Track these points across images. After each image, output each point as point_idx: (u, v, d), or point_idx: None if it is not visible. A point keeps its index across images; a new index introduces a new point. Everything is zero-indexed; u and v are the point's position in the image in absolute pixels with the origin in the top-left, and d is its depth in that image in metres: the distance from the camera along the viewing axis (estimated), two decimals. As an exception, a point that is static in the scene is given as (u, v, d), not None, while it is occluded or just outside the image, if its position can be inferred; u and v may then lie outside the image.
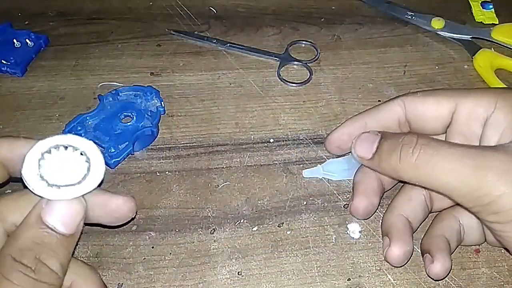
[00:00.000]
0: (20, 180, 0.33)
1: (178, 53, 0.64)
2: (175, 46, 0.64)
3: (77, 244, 0.33)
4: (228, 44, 0.64)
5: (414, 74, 0.62)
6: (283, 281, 0.45)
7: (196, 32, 0.66)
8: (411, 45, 0.66)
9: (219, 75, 0.61)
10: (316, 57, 0.63)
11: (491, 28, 0.66)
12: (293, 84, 0.60)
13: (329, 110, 0.58)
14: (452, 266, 0.45)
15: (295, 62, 0.63)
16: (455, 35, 0.66)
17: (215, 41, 0.64)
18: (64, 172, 0.32)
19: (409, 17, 0.68)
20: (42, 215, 0.31)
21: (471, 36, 0.65)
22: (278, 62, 0.62)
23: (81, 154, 0.34)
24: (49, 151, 0.33)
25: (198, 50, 0.64)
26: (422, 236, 0.46)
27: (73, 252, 0.33)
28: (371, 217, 0.49)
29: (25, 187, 0.32)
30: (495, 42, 0.65)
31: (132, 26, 0.67)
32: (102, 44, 0.64)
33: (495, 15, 0.69)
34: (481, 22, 0.69)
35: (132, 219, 0.38)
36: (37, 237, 0.30)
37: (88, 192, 0.33)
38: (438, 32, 0.67)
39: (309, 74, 0.61)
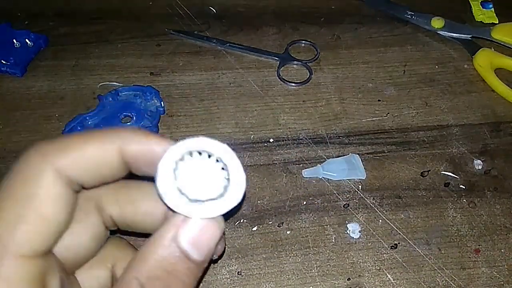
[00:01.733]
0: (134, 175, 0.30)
1: (177, 53, 0.64)
2: (175, 46, 0.64)
3: None
4: (228, 44, 0.64)
5: (414, 74, 0.62)
6: (283, 281, 0.45)
7: (195, 32, 0.66)
8: (411, 44, 0.66)
9: (218, 75, 0.61)
10: (316, 57, 0.63)
11: (491, 27, 0.66)
12: (293, 84, 0.60)
13: (329, 109, 0.58)
14: (452, 266, 0.46)
15: (295, 62, 0.63)
16: (455, 35, 0.66)
17: (214, 41, 0.64)
18: (203, 183, 0.28)
19: (409, 16, 0.68)
20: (178, 237, 0.26)
21: (471, 36, 0.65)
22: (278, 62, 0.62)
23: (217, 161, 0.28)
24: (182, 158, 0.28)
25: (198, 50, 0.64)
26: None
27: None
28: (371, 217, 0.49)
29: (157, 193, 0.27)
30: (495, 42, 0.65)
31: (131, 26, 0.66)
32: (102, 44, 0.64)
33: (495, 14, 0.69)
34: (481, 21, 0.69)
35: None
36: (169, 263, 0.26)
37: (232, 208, 0.27)
38: (438, 32, 0.66)
39: (309, 74, 0.61)
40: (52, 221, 0.26)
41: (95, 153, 0.27)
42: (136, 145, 0.28)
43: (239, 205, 0.31)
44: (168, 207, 0.27)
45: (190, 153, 0.28)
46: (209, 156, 0.28)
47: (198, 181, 0.28)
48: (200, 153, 0.28)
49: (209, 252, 0.27)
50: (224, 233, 0.29)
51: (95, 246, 0.31)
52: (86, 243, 0.30)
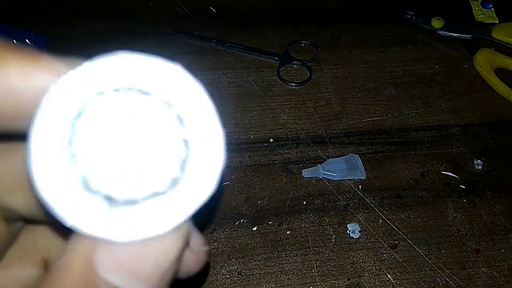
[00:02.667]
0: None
1: (177, 53, 0.64)
2: (175, 46, 0.64)
3: None
4: (228, 44, 0.64)
5: (414, 74, 0.62)
6: (283, 281, 0.45)
7: (195, 32, 0.66)
8: (411, 44, 0.66)
9: (218, 75, 0.61)
10: (316, 57, 0.63)
11: (491, 27, 0.65)
12: (293, 84, 0.60)
13: (329, 109, 0.58)
14: (452, 266, 0.46)
15: (295, 62, 0.63)
16: (455, 35, 0.66)
17: (214, 41, 0.64)
18: (134, 160, 0.15)
19: (409, 16, 0.68)
20: (93, 262, 0.15)
21: (471, 36, 0.65)
22: (278, 62, 0.62)
23: (166, 107, 0.15)
24: (88, 104, 0.15)
25: (198, 50, 0.64)
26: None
27: None
28: (371, 217, 0.49)
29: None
30: (495, 41, 0.65)
31: (131, 26, 0.66)
32: (102, 44, 0.64)
33: (495, 14, 0.69)
34: (481, 21, 0.69)
35: None
36: None
37: (192, 215, 0.15)
38: (438, 32, 0.66)
39: (309, 74, 0.61)
40: None
41: None
42: (16, 71, 0.15)
43: (213, 202, 0.18)
44: (64, 225, 0.15)
45: (103, 93, 0.15)
46: (145, 94, 0.15)
47: (123, 156, 0.15)
48: (126, 90, 0.15)
49: (163, 278, 0.16)
50: (190, 240, 0.19)
51: None
52: None
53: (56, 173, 0.14)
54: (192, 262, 0.20)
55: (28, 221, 0.22)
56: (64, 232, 0.16)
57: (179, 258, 0.16)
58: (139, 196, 0.15)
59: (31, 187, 0.16)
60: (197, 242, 0.20)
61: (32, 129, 0.14)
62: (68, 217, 0.14)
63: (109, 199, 0.15)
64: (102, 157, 0.15)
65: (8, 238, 0.22)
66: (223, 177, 0.15)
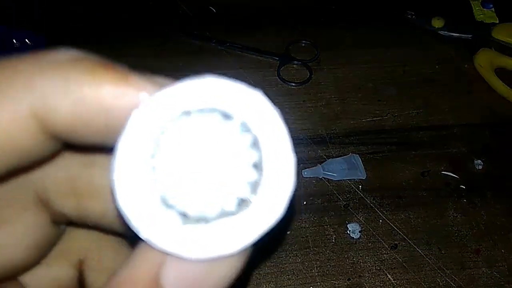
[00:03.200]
0: None
1: (178, 53, 0.63)
2: (175, 46, 0.64)
3: None
4: (228, 44, 0.64)
5: (414, 74, 0.62)
6: (283, 281, 0.44)
7: (195, 32, 0.66)
8: (411, 44, 0.66)
9: (218, 75, 0.61)
10: (316, 57, 0.63)
11: (492, 27, 0.65)
12: (293, 84, 0.60)
13: (329, 109, 0.58)
14: (453, 266, 0.46)
15: (295, 62, 0.63)
16: (455, 34, 0.66)
17: (214, 41, 0.64)
18: (210, 178, 0.15)
19: (410, 16, 0.68)
20: (160, 277, 0.15)
21: (471, 35, 0.65)
22: (278, 62, 0.62)
23: (243, 129, 0.16)
24: (171, 124, 0.16)
25: (198, 50, 0.64)
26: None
27: None
28: (371, 217, 0.49)
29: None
30: (495, 41, 0.64)
31: (132, 27, 0.66)
32: (102, 44, 0.64)
33: (495, 14, 0.69)
34: (482, 21, 0.69)
35: None
36: None
37: (261, 235, 0.16)
38: (438, 32, 0.66)
39: (309, 74, 0.61)
40: None
41: None
42: (67, 100, 0.15)
43: (282, 226, 0.18)
44: (137, 237, 0.15)
45: (188, 113, 0.16)
46: (226, 117, 0.16)
47: (199, 174, 0.15)
48: (221, 114, 0.16)
49: None
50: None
51: (40, 248, 0.22)
52: (21, 248, 0.20)
53: (136, 186, 0.15)
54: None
55: (72, 223, 0.23)
56: (133, 241, 0.17)
57: (234, 277, 0.17)
58: (210, 214, 0.15)
59: (90, 195, 0.19)
60: None
61: (117, 143, 0.15)
62: (142, 229, 0.15)
63: (183, 215, 0.15)
64: (180, 174, 0.15)
65: (54, 239, 0.22)
66: (293, 202, 0.15)
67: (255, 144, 0.16)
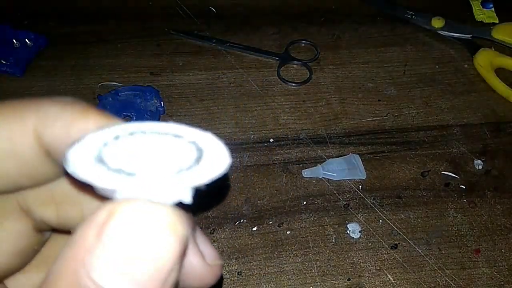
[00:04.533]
0: None
1: (177, 52, 0.63)
2: (175, 45, 0.64)
3: None
4: (228, 44, 0.64)
5: (414, 74, 0.62)
6: (283, 281, 0.44)
7: (195, 32, 0.66)
8: (411, 44, 0.66)
9: (218, 74, 0.61)
10: (316, 57, 0.63)
11: (492, 27, 0.65)
12: (293, 84, 0.60)
13: (329, 109, 0.58)
14: (453, 266, 0.46)
15: (295, 62, 0.63)
16: (455, 34, 0.66)
17: (214, 40, 0.64)
18: (154, 156, 0.18)
19: (409, 16, 0.68)
20: (87, 265, 0.15)
21: (471, 35, 0.65)
22: (278, 62, 0.62)
23: (192, 144, 0.19)
24: (130, 134, 0.19)
25: (198, 50, 0.64)
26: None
27: None
28: (371, 217, 0.49)
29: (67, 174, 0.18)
30: (495, 41, 0.65)
31: (131, 26, 0.66)
32: (102, 44, 0.64)
33: (495, 14, 0.69)
34: (482, 21, 0.69)
35: None
36: None
37: (199, 187, 0.18)
38: (438, 31, 0.66)
39: (309, 74, 0.61)
40: None
41: None
42: (60, 126, 0.19)
43: (223, 187, 0.20)
44: (82, 182, 0.17)
45: (145, 132, 0.19)
46: (177, 137, 0.19)
47: (140, 154, 0.18)
48: (162, 134, 0.19)
49: (162, 284, 0.15)
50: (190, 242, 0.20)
51: (24, 255, 0.22)
52: (4, 255, 0.21)
53: (83, 155, 0.17)
54: (206, 275, 0.21)
55: (55, 230, 0.24)
56: None
57: (178, 265, 0.16)
58: (157, 170, 0.17)
59: (69, 202, 0.21)
60: (212, 255, 0.21)
61: (67, 153, 0.18)
62: (85, 175, 0.17)
63: (115, 170, 0.17)
64: (121, 152, 0.18)
65: (38, 246, 0.23)
66: (226, 177, 0.16)
67: (199, 154, 0.19)
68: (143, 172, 0.17)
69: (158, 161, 0.17)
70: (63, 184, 0.22)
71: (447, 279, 0.45)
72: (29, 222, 0.22)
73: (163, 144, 0.18)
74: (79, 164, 0.17)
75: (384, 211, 0.49)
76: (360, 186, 0.51)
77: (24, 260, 0.23)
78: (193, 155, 0.18)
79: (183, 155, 0.18)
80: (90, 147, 0.18)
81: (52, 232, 0.24)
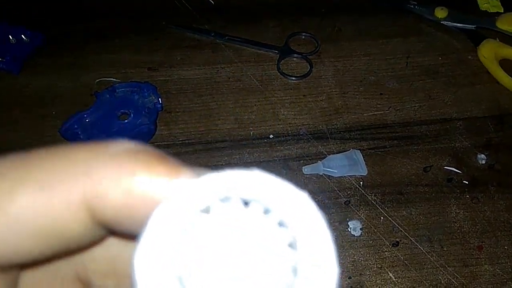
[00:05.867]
0: None
1: (175, 47, 0.62)
2: (173, 40, 0.63)
3: None
4: (227, 37, 0.63)
5: (416, 66, 0.61)
6: (283, 280, 0.44)
7: (194, 25, 0.64)
8: (413, 35, 0.64)
9: (217, 69, 0.60)
10: (317, 50, 0.62)
11: (496, 17, 0.64)
12: (293, 78, 0.59)
13: (330, 104, 0.57)
14: (455, 263, 0.45)
15: (295, 55, 0.62)
16: (459, 25, 0.64)
17: (213, 34, 0.63)
18: (239, 277, 0.14)
19: (412, 6, 0.66)
20: None
21: (475, 26, 0.64)
22: (278, 55, 0.61)
23: (280, 225, 0.15)
24: (206, 211, 0.15)
25: (196, 44, 0.63)
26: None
27: None
28: (373, 215, 0.48)
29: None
30: (500, 32, 0.63)
31: (129, 20, 0.65)
32: (99, 40, 0.63)
33: (500, 3, 0.68)
34: (486, 10, 0.67)
35: None
36: None
37: None
38: (441, 22, 0.65)
39: (309, 67, 0.60)
40: None
41: (31, 207, 0.15)
42: (118, 190, 0.15)
43: None
44: None
45: (227, 200, 0.15)
46: (266, 212, 0.15)
47: (230, 278, 0.14)
48: (246, 203, 0.15)
49: None
50: None
51: None
52: None
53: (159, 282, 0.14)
54: None
55: None
56: None
57: None
58: None
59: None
60: None
61: (140, 238, 0.14)
62: None
63: None
64: (210, 272, 0.14)
65: None
66: None
67: (293, 245, 0.14)
68: None
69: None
70: (127, 256, 0.19)
71: (449, 277, 0.44)
72: None
73: (252, 241, 0.14)
74: None
75: (386, 208, 0.48)
76: (361, 183, 0.50)
77: None
78: (288, 253, 0.14)
79: (274, 274, 0.14)
80: (164, 245, 0.14)
81: None
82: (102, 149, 0.16)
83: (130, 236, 0.17)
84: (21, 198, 0.15)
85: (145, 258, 0.14)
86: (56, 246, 0.16)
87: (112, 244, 0.19)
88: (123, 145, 0.16)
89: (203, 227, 0.14)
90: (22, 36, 0.61)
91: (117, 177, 0.15)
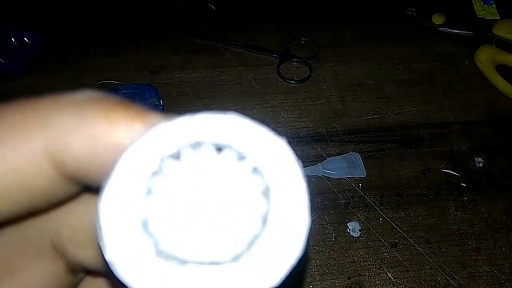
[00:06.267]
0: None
1: (177, 50, 0.63)
2: (174, 43, 0.64)
3: None
4: (227, 42, 0.63)
5: (414, 71, 0.62)
6: (283, 280, 0.44)
7: (194, 29, 0.65)
8: (411, 41, 0.65)
9: (218, 72, 0.61)
10: (316, 54, 0.63)
11: (493, 23, 0.65)
12: (293, 81, 0.60)
13: (329, 107, 0.57)
14: (453, 264, 0.45)
15: (295, 59, 0.62)
16: (456, 31, 0.65)
17: (214, 38, 0.64)
18: (209, 221, 0.14)
19: (410, 13, 0.67)
20: None
21: (472, 32, 0.65)
22: (278, 59, 0.62)
23: (255, 170, 0.14)
24: (175, 156, 0.14)
25: (197, 48, 0.64)
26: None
27: None
28: (372, 216, 0.48)
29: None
30: (496, 38, 0.64)
31: (131, 24, 0.66)
32: (101, 43, 0.63)
33: (496, 10, 0.69)
34: (483, 17, 0.68)
35: None
36: None
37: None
38: (439, 28, 0.66)
39: (308, 71, 0.61)
40: None
41: None
42: (81, 138, 0.15)
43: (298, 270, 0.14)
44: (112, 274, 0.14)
45: (198, 145, 0.14)
46: (240, 158, 0.14)
47: (199, 215, 0.14)
48: (218, 149, 0.14)
49: None
50: None
51: None
52: None
53: (125, 234, 0.13)
54: None
55: (90, 272, 0.21)
56: None
57: None
58: (216, 259, 0.13)
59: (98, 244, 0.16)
60: None
61: (105, 184, 0.14)
62: (132, 281, 0.13)
63: (183, 263, 0.13)
64: (177, 217, 0.14)
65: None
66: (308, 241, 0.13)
67: (266, 193, 0.14)
68: (196, 262, 0.13)
69: (214, 232, 0.13)
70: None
71: (448, 278, 0.45)
72: (63, 264, 0.19)
73: (223, 188, 0.14)
74: (119, 247, 0.13)
75: (384, 210, 0.49)
76: (360, 185, 0.51)
77: None
78: (260, 202, 0.14)
79: (246, 208, 0.14)
80: (129, 191, 0.13)
81: (86, 274, 0.22)
82: (62, 99, 0.15)
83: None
84: None
85: (109, 203, 0.13)
86: (24, 202, 0.16)
87: (89, 213, 0.18)
88: (84, 94, 0.16)
89: (171, 172, 0.14)
90: (25, 38, 0.61)
91: (79, 126, 0.15)
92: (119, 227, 0.13)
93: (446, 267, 0.45)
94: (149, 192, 0.14)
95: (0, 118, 0.15)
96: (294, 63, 0.62)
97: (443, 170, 0.52)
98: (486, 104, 0.58)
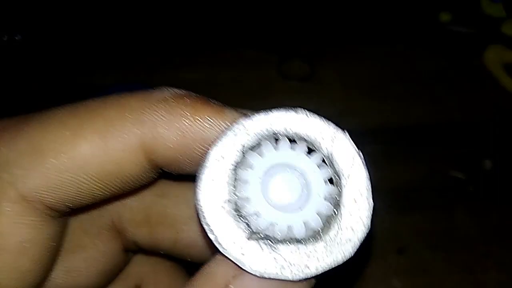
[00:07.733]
0: None
1: (176, 49, 0.62)
2: (173, 42, 0.62)
3: None
4: (228, 40, 0.62)
5: (421, 70, 0.60)
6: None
7: (195, 28, 0.64)
8: (418, 39, 0.63)
9: (218, 71, 0.59)
10: (320, 53, 0.61)
11: (501, 22, 0.63)
12: (295, 81, 0.58)
13: (332, 107, 0.56)
14: (461, 270, 0.44)
15: (298, 58, 0.61)
16: (463, 29, 0.64)
17: (213, 37, 0.62)
18: (286, 204, 0.17)
19: (417, 11, 0.65)
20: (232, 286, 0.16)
21: (480, 30, 0.63)
22: (279, 58, 0.60)
23: (324, 162, 0.17)
24: (256, 149, 0.17)
25: (197, 46, 0.62)
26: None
27: None
28: (377, 220, 0.47)
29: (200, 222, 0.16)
30: (505, 36, 0.62)
31: (128, 21, 0.64)
32: (97, 40, 0.62)
33: (503, 8, 0.67)
34: (490, 15, 0.66)
35: None
36: None
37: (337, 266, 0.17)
38: (446, 26, 0.64)
39: (311, 70, 0.59)
40: (19, 273, 0.17)
41: (93, 154, 0.17)
42: (174, 133, 0.17)
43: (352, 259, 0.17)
44: (215, 247, 0.16)
45: (274, 139, 0.17)
46: (309, 151, 0.17)
47: (278, 198, 0.17)
48: (291, 141, 0.17)
49: None
50: None
51: (110, 274, 0.23)
52: (93, 273, 0.21)
53: (222, 217, 0.16)
54: None
55: (142, 250, 0.24)
56: (191, 268, 0.20)
57: None
58: (300, 237, 0.16)
59: (163, 224, 0.22)
60: None
61: (199, 173, 0.16)
62: (220, 245, 0.16)
63: (256, 234, 0.16)
64: (262, 202, 0.16)
65: (122, 265, 0.24)
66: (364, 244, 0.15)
67: (336, 177, 0.17)
68: (284, 240, 0.16)
69: (291, 217, 0.16)
70: (160, 206, 0.22)
71: (455, 284, 0.43)
72: (121, 242, 0.22)
73: (299, 175, 0.17)
74: (217, 227, 0.16)
75: (391, 214, 0.47)
76: (365, 187, 0.49)
77: (109, 280, 0.23)
78: (326, 207, 0.17)
79: (317, 205, 0.17)
80: (219, 188, 0.16)
81: (134, 254, 0.25)
82: (151, 97, 0.18)
83: (182, 177, 0.19)
84: (85, 145, 0.17)
85: (206, 192, 0.16)
86: (116, 189, 0.18)
87: (146, 195, 0.22)
88: (169, 92, 0.19)
89: (254, 163, 0.17)
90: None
91: (169, 121, 0.17)
92: (216, 210, 0.16)
93: (454, 273, 0.44)
94: (236, 180, 0.16)
95: (98, 114, 0.18)
96: (297, 62, 0.61)
97: (450, 172, 0.51)
98: (494, 104, 0.57)
